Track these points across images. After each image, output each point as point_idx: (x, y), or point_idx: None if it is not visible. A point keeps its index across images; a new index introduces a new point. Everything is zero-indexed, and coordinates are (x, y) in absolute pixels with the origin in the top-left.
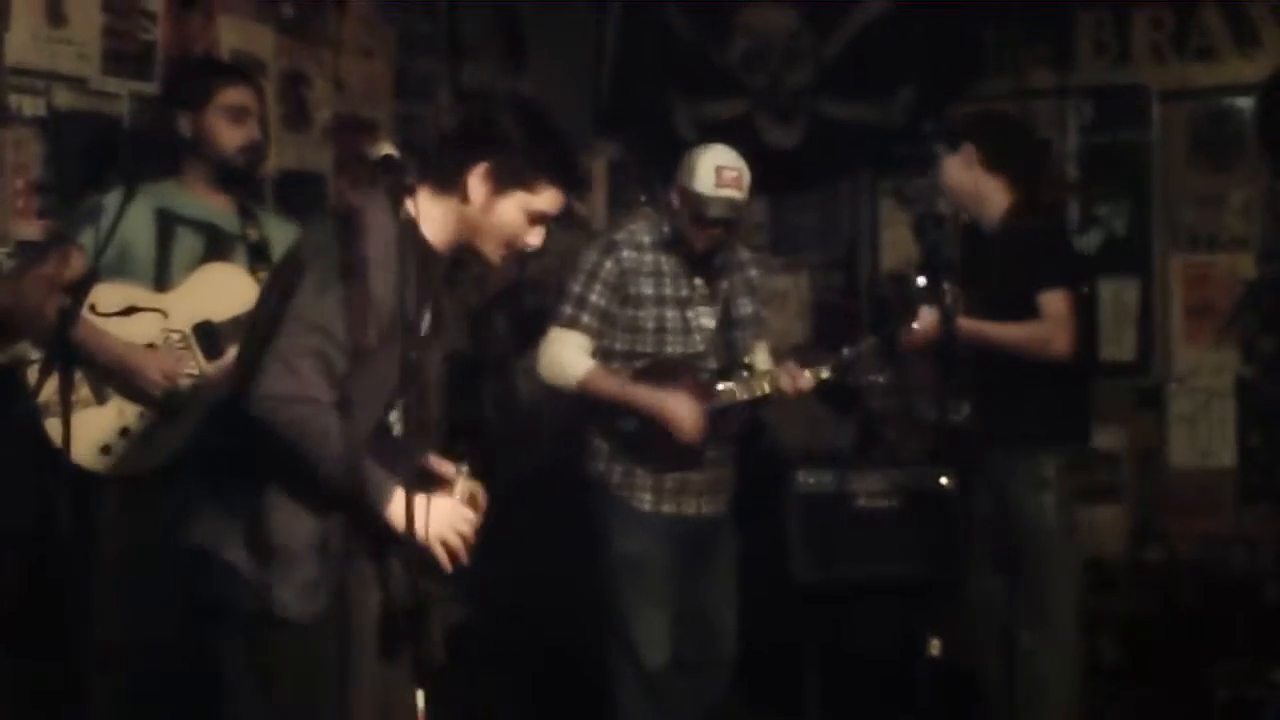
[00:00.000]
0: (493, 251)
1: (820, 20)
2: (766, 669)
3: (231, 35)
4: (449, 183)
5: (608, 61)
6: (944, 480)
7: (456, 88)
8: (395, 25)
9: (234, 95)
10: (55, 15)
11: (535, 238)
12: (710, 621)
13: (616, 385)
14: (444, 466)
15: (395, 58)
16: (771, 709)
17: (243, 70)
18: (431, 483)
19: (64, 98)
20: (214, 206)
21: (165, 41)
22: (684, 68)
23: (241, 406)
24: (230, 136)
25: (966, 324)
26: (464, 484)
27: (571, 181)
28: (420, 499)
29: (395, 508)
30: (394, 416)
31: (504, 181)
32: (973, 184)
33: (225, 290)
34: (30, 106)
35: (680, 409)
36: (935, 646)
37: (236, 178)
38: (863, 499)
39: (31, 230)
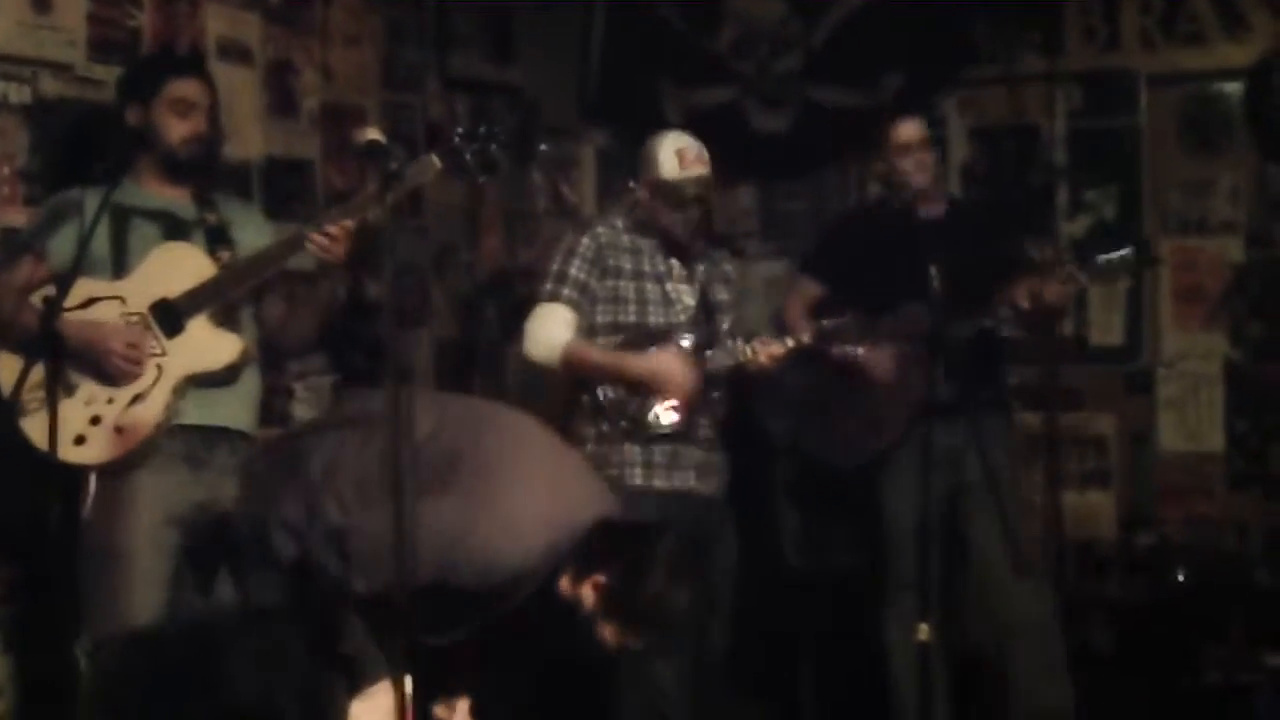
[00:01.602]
0: None
1: (808, 6)
2: (760, 655)
3: (218, 22)
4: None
5: (596, 49)
6: None
7: (444, 77)
8: (382, 13)
9: (181, 88)
10: (40, 2)
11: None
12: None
13: (601, 355)
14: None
15: (383, 46)
16: (765, 696)
17: (192, 62)
18: None
19: (50, 85)
20: (168, 196)
21: (151, 28)
22: (672, 55)
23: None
24: (176, 130)
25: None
26: None
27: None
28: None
29: (376, 696)
30: None
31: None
32: (935, 176)
33: (179, 268)
34: (16, 94)
35: (670, 365)
36: (924, 632)
37: (184, 171)
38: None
39: (18, 218)
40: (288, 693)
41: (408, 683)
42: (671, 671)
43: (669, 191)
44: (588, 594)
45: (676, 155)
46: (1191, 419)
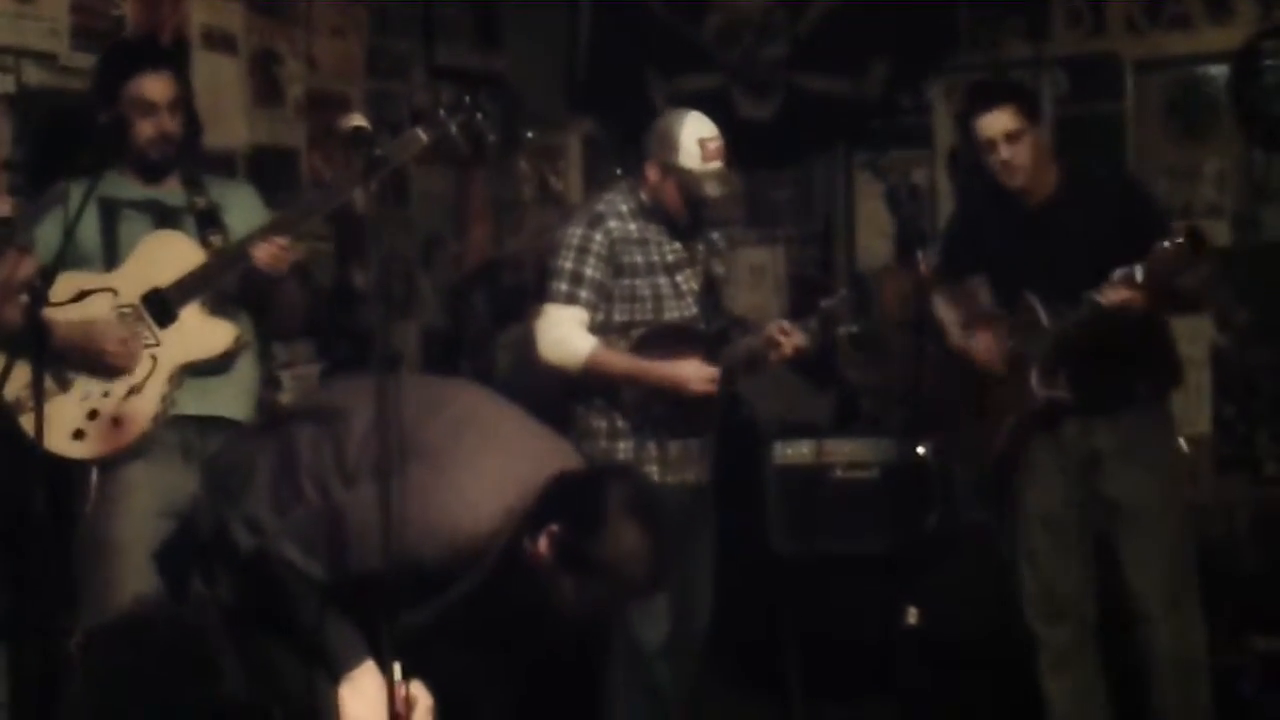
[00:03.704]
0: None
1: None
2: (745, 642)
3: (202, 11)
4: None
5: (582, 37)
6: (920, 450)
7: (430, 65)
8: (367, 2)
9: (139, 88)
10: None
11: None
12: (690, 595)
13: (626, 361)
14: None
15: (368, 35)
16: (751, 682)
17: (151, 56)
18: None
19: (34, 74)
20: (155, 186)
21: (134, 17)
22: (658, 43)
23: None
24: (141, 129)
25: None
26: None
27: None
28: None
29: (359, 681)
30: None
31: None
32: (1039, 161)
33: (168, 257)
34: None
35: (694, 373)
36: (913, 615)
37: (157, 170)
38: (840, 470)
39: (2, 208)
40: (276, 684)
41: (396, 669)
42: (669, 668)
43: (688, 184)
44: (544, 545)
45: (699, 145)
46: (1178, 404)
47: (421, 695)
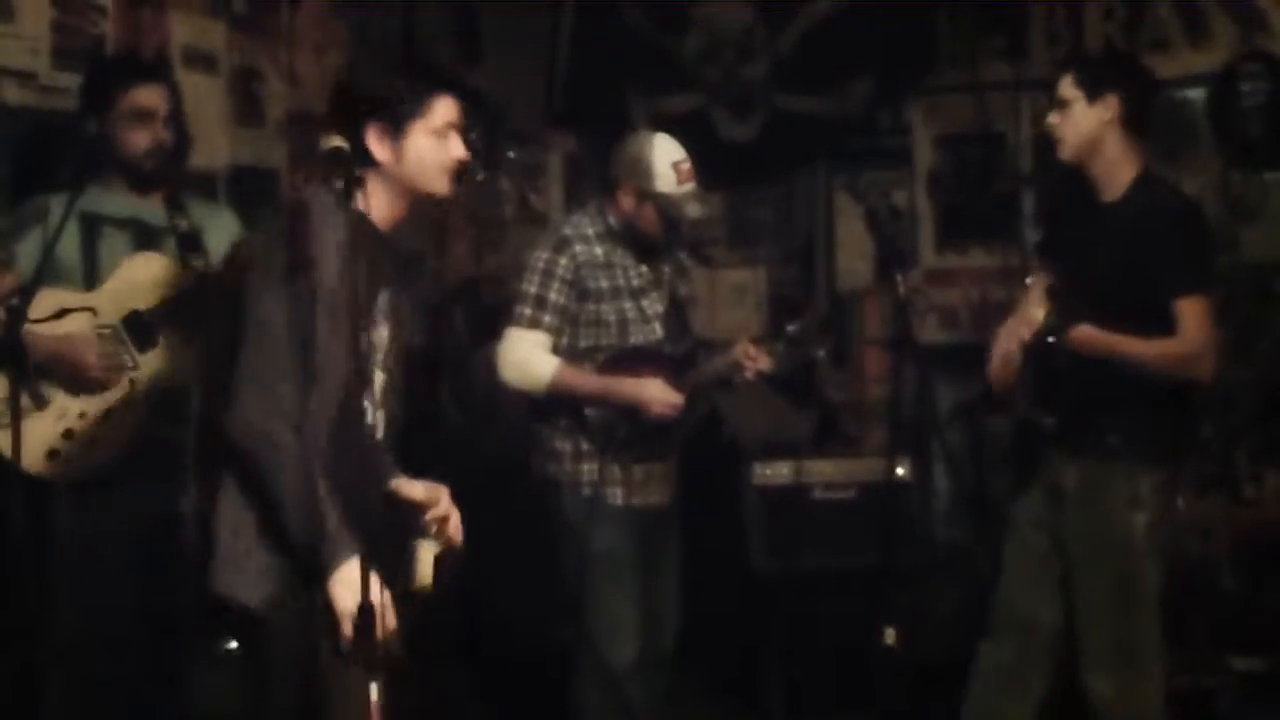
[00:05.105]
0: (436, 186)
1: (774, 14)
2: (727, 658)
3: (183, 30)
4: (362, 160)
5: (563, 56)
6: (900, 471)
7: None
8: (349, 20)
9: (137, 98)
10: (4, 9)
11: (456, 148)
12: (656, 615)
13: (590, 380)
14: (414, 490)
15: (349, 53)
16: (731, 700)
17: (148, 68)
18: (401, 510)
19: (13, 93)
20: (138, 203)
21: (116, 36)
22: (639, 62)
23: (223, 430)
24: (135, 140)
25: (1092, 335)
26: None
27: (441, 84)
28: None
29: (344, 574)
30: (378, 417)
31: (394, 129)
32: (1103, 141)
33: (150, 280)
34: None
35: (658, 393)
36: (890, 636)
37: (148, 181)
38: (819, 490)
39: None
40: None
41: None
42: (639, 687)
43: (665, 207)
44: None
45: (673, 169)
46: None
47: (449, 503)
